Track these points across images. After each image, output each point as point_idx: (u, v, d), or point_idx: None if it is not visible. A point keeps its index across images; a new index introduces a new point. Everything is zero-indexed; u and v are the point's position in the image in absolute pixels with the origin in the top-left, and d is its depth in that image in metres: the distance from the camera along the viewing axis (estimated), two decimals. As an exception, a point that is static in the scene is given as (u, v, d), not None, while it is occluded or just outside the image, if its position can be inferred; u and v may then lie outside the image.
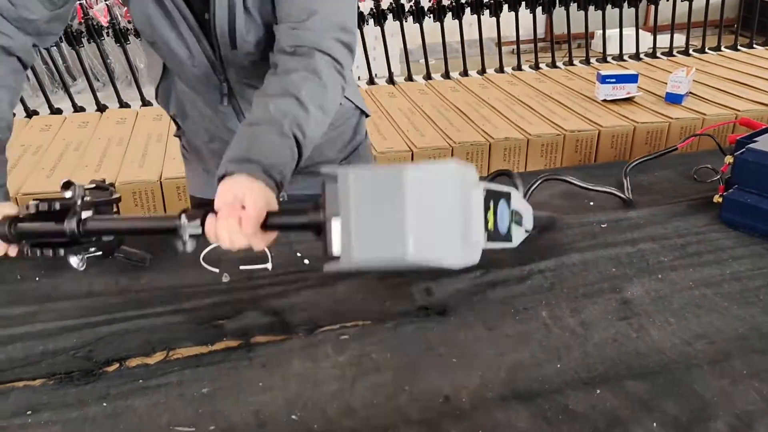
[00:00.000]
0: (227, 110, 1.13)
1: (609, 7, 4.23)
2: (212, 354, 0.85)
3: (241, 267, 1.04)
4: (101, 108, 3.94)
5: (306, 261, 1.06)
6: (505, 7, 3.94)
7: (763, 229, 1.07)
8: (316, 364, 0.84)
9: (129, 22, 3.89)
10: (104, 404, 0.77)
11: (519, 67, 3.84)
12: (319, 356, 0.85)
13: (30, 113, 3.83)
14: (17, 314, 0.93)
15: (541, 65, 3.95)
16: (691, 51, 4.52)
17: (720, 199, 1.13)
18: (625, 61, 4.06)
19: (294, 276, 1.02)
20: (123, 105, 4.02)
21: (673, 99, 2.47)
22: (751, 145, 1.09)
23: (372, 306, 0.95)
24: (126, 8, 1.03)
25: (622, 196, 1.23)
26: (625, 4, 4.25)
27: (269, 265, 1.04)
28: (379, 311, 0.93)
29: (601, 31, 4.40)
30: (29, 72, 4.00)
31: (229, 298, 0.97)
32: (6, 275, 1.03)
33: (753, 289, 0.96)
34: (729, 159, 1.12)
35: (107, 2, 3.84)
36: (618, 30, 4.38)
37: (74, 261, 1.00)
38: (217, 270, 1.03)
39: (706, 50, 4.47)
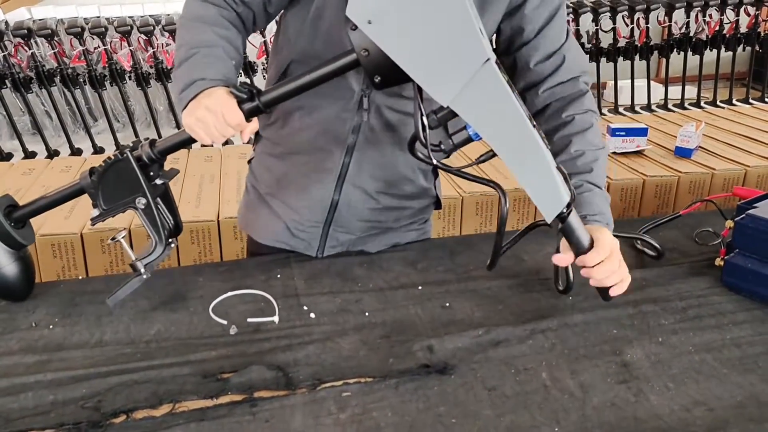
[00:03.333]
0: (349, 116, 1.14)
1: (620, 59, 4.32)
2: (217, 408, 0.87)
3: (249, 319, 1.06)
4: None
5: (312, 315, 1.08)
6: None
7: (763, 294, 1.08)
8: (317, 421, 0.85)
9: (151, 66, 4.02)
10: (109, 456, 0.79)
11: (531, 117, 3.90)
12: (321, 413, 0.86)
13: (51, 153, 3.94)
14: (29, 363, 0.96)
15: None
16: (702, 103, 4.57)
17: (721, 263, 1.15)
18: (637, 112, 4.11)
19: (300, 330, 1.04)
20: (142, 146, 4.10)
21: (683, 153, 2.49)
22: (751, 211, 1.11)
23: (375, 363, 0.96)
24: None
25: (652, 253, 1.24)
26: (637, 57, 4.33)
27: (276, 318, 1.07)
28: (381, 368, 0.95)
29: (612, 82, 4.48)
30: (53, 113, 4.12)
31: (235, 351, 0.99)
32: (21, 322, 1.06)
33: (752, 356, 0.97)
34: (729, 224, 1.14)
35: (131, 48, 3.97)
36: (630, 81, 4.45)
37: None
38: (225, 322, 1.06)
39: (718, 103, 4.52)
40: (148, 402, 0.87)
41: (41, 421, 0.84)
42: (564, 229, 1.00)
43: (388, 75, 0.94)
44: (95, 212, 1.06)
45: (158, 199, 1.08)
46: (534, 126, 0.94)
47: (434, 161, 0.98)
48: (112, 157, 1.04)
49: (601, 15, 4.11)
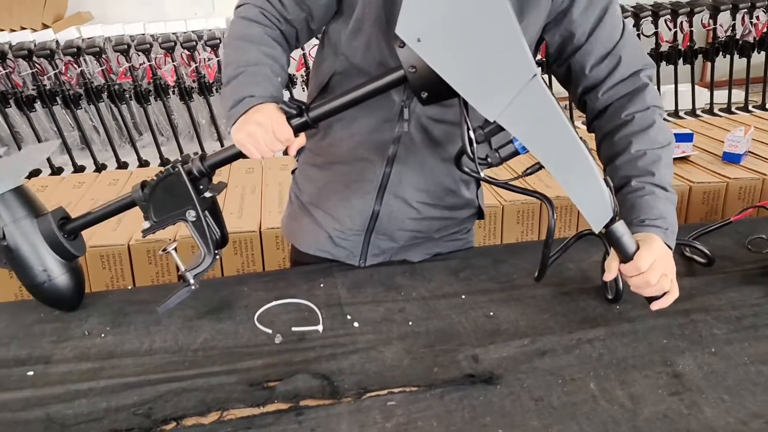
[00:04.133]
0: (389, 127, 1.15)
1: (663, 63, 4.23)
2: (263, 416, 0.88)
3: (293, 328, 1.07)
4: (165, 162, 4.14)
5: (355, 324, 1.09)
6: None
7: (822, 303, 1.04)
8: (363, 430, 0.85)
9: (193, 81, 4.12)
10: (160, 463, 0.80)
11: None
12: (367, 422, 0.86)
13: (99, 167, 4.06)
14: (83, 370, 0.99)
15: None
16: (750, 107, 4.45)
17: (776, 271, 1.11)
18: (681, 118, 4.02)
19: (344, 339, 1.05)
20: (185, 159, 4.20)
21: (731, 158, 2.42)
22: (807, 217, 1.07)
23: (419, 372, 0.96)
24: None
25: (702, 260, 1.22)
26: (680, 61, 4.24)
27: (320, 327, 1.07)
28: (426, 378, 0.95)
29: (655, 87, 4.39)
30: (100, 128, 4.20)
31: (280, 359, 1.00)
32: (75, 331, 1.09)
33: (812, 367, 0.93)
34: (784, 230, 1.11)
35: (174, 63, 4.07)
36: (673, 86, 4.36)
37: None
38: (270, 331, 1.07)
39: (767, 106, 4.39)
40: (197, 409, 0.89)
41: (95, 428, 0.86)
42: (610, 237, 0.99)
43: (434, 91, 0.96)
44: (146, 224, 1.09)
45: (206, 212, 1.10)
46: (580, 138, 0.94)
47: (482, 175, 0.98)
48: (164, 172, 1.07)
49: (643, 19, 4.04)
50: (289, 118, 1.02)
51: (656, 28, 4.11)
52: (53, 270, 1.11)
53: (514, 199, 2.30)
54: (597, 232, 0.98)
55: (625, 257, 0.99)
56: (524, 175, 1.01)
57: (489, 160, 0.99)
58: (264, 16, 1.09)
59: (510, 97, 0.90)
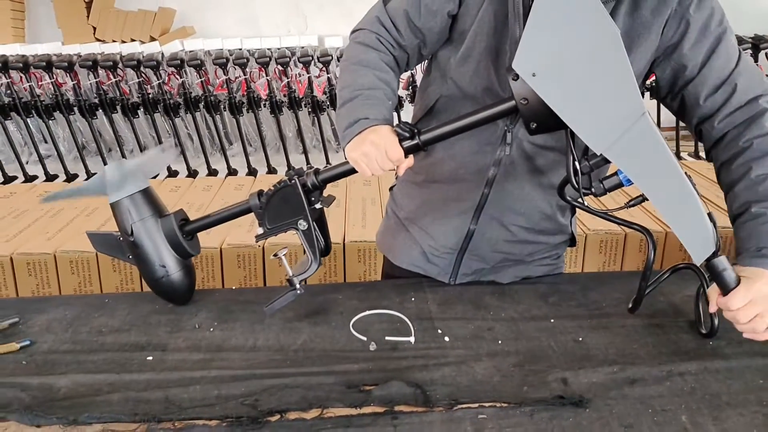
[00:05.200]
0: (491, 149, 1.18)
1: None
2: (361, 417, 0.93)
3: (387, 338, 1.12)
4: (252, 172, 4.31)
5: (446, 338, 1.13)
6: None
7: None
8: (454, 439, 0.89)
9: (284, 95, 4.29)
10: (266, 451, 0.87)
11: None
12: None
13: (192, 172, 4.27)
14: (195, 360, 1.07)
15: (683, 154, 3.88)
16: None
17: None
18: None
19: (435, 351, 1.09)
20: (271, 170, 4.39)
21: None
22: None
23: (509, 389, 0.99)
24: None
25: None
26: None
27: (412, 339, 1.12)
28: (515, 395, 0.97)
29: None
30: (194, 135, 4.40)
31: (375, 365, 1.05)
32: (186, 323, 1.18)
33: None
34: None
35: (267, 78, 4.25)
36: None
37: None
38: (365, 338, 1.12)
39: None
40: (299, 405, 0.95)
41: (208, 412, 0.93)
42: (711, 271, 1.00)
43: (544, 122, 0.99)
44: (260, 231, 1.17)
45: (314, 222, 1.17)
46: (686, 173, 0.97)
47: (585, 204, 1.01)
48: (280, 183, 1.15)
49: (762, 51, 3.92)
50: (402, 140, 1.08)
51: (756, 61, 3.97)
52: (171, 266, 1.21)
53: (597, 228, 2.29)
54: (698, 264, 0.99)
55: (724, 291, 1.00)
56: (628, 207, 1.03)
57: (593, 190, 1.02)
58: (379, 42, 1.16)
59: (619, 133, 0.94)
